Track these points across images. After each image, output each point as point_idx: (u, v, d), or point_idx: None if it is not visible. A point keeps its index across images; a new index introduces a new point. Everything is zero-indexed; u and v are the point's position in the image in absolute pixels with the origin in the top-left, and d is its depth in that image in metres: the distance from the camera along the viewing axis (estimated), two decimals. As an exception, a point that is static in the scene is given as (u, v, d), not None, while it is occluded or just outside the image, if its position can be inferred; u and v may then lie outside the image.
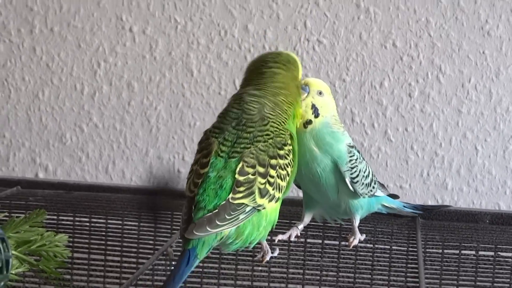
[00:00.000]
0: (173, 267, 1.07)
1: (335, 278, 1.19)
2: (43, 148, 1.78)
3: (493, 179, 1.69)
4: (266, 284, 1.16)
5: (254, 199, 1.10)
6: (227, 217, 1.07)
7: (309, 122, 1.24)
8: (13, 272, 1.03)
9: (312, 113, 1.25)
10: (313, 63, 1.70)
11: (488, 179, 1.69)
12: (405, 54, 1.69)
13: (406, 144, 1.70)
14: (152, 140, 1.76)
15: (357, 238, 1.30)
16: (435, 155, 1.70)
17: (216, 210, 1.07)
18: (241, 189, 1.09)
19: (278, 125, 1.15)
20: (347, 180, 1.26)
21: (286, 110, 1.18)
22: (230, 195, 1.08)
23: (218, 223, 1.07)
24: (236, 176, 1.09)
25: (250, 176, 1.10)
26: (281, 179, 1.13)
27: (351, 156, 1.26)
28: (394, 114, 1.70)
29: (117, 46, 1.75)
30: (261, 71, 1.19)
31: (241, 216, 1.09)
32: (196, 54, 1.73)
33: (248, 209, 1.09)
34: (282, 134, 1.15)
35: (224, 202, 1.08)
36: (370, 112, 1.70)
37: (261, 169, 1.11)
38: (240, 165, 1.10)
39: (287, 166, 1.15)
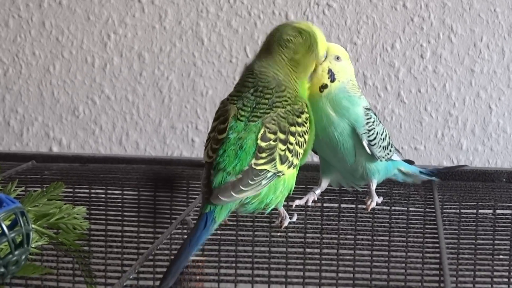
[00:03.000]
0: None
1: (353, 241, 1.19)
2: (56, 122, 1.79)
3: (508, 137, 1.68)
4: (284, 249, 1.17)
5: (275, 165, 1.11)
6: (250, 183, 1.09)
7: (324, 86, 1.24)
8: (33, 246, 1.03)
9: (328, 78, 1.25)
10: (323, 27, 1.69)
11: (503, 138, 1.68)
12: (415, 15, 1.68)
13: (419, 106, 1.69)
14: (164, 110, 1.75)
15: (375, 200, 1.30)
16: (449, 116, 1.69)
17: (240, 176, 1.08)
18: (263, 155, 1.10)
19: (293, 91, 1.17)
20: (365, 143, 1.25)
21: (295, 80, 1.18)
22: (253, 161, 1.10)
23: (242, 188, 1.08)
24: (258, 141, 1.11)
25: (271, 142, 1.11)
26: (299, 146, 1.15)
27: (368, 119, 1.25)
28: (406, 76, 1.69)
29: (126, 17, 1.75)
30: (270, 45, 1.19)
31: (263, 182, 1.10)
32: (206, 23, 1.73)
33: (269, 175, 1.11)
34: (299, 102, 1.17)
35: (247, 167, 1.09)
36: (383, 74, 1.69)
37: (282, 136, 1.12)
38: (262, 131, 1.11)
39: (305, 134, 1.16)
